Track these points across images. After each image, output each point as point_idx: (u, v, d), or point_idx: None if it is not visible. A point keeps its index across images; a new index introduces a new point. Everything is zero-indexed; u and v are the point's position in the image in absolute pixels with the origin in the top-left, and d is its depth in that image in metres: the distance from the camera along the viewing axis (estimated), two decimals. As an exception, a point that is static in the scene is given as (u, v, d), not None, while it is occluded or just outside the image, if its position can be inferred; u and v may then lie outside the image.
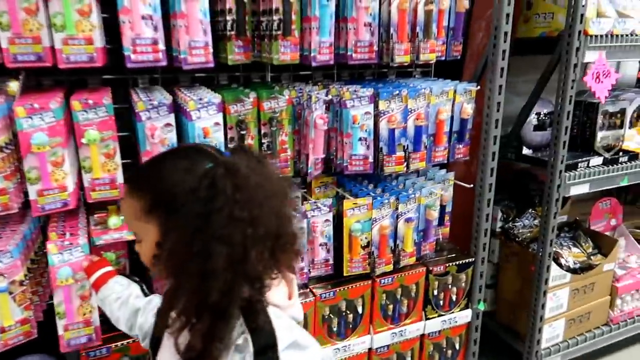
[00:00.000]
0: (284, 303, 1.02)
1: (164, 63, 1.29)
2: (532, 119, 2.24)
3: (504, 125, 2.42)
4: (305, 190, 1.92)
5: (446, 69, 2.06)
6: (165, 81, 1.64)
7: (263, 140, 1.57)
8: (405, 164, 1.72)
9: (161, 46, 1.26)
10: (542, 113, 2.24)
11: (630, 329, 2.59)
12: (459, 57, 1.83)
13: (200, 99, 1.36)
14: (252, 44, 1.46)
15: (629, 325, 2.58)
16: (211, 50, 1.34)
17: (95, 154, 1.29)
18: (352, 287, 1.77)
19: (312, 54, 1.46)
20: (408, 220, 1.79)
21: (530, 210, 2.43)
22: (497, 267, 2.53)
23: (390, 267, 1.82)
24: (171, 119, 1.37)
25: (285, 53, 1.42)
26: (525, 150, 2.30)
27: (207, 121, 1.37)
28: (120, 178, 1.33)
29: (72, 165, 1.29)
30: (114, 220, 1.39)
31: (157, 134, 1.34)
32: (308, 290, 1.74)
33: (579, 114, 2.22)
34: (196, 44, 1.30)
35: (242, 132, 1.52)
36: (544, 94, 2.19)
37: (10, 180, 1.21)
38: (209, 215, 0.84)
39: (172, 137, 1.38)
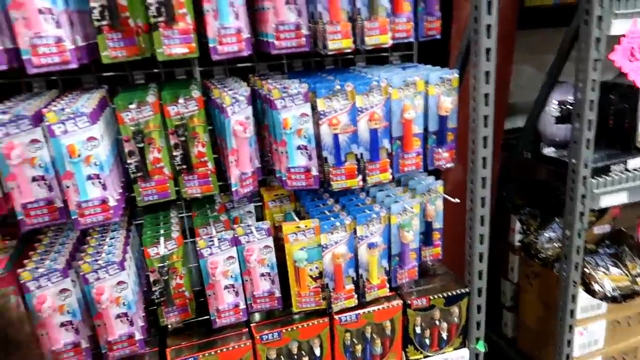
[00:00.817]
0: None
1: (4, 67, 1.02)
2: (553, 109, 1.78)
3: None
4: (259, 204, 1.62)
5: (435, 52, 1.66)
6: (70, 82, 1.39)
7: (175, 153, 1.28)
8: (360, 177, 1.36)
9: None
10: (566, 101, 1.77)
11: (694, 367, 2.08)
12: (438, 37, 1.44)
13: (62, 110, 1.08)
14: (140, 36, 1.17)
15: (692, 361, 2.07)
16: (70, 47, 1.05)
17: None
18: (303, 326, 1.45)
19: (210, 45, 1.14)
20: (371, 246, 1.44)
21: (556, 220, 1.97)
22: (518, 288, 2.11)
23: (353, 302, 1.48)
24: (37, 134, 1.11)
25: (171, 45, 1.10)
26: (547, 149, 1.85)
27: (76, 136, 1.10)
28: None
29: None
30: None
31: (16, 154, 1.09)
32: (246, 329, 1.44)
33: (614, 100, 1.74)
34: (42, 42, 1.02)
35: (140, 145, 1.23)
36: (566, 77, 1.73)
37: None
38: None
39: (42, 156, 1.13)
